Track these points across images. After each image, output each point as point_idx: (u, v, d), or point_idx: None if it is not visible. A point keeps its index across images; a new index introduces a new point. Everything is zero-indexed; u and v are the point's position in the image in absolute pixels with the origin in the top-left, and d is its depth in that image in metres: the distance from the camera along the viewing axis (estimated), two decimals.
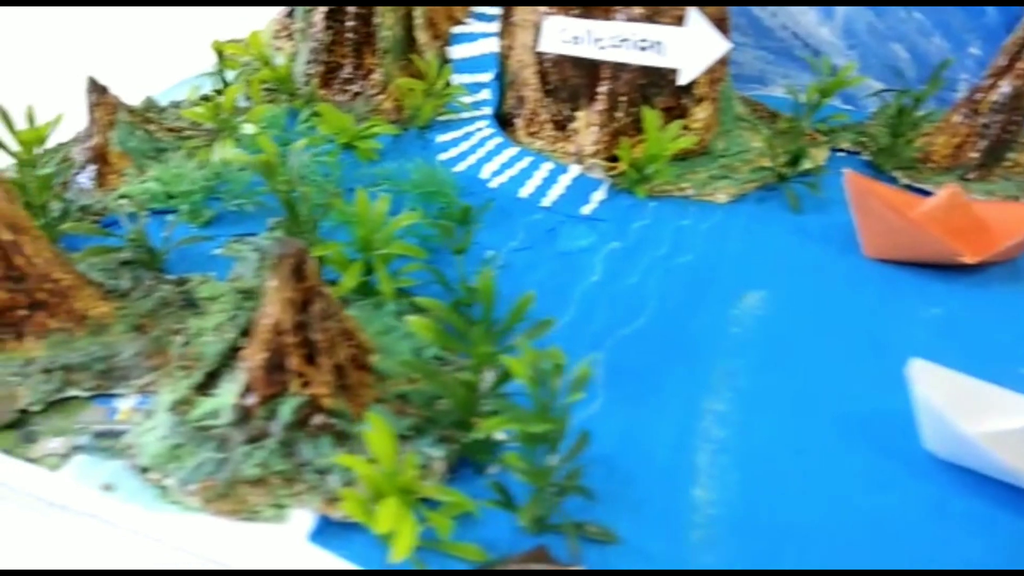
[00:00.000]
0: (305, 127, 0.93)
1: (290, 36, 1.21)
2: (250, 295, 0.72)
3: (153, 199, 0.85)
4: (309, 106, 0.99)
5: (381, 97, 1.07)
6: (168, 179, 0.84)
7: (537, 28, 0.95)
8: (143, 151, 0.91)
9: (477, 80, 1.05)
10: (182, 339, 0.68)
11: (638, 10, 0.87)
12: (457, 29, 1.09)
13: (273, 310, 0.56)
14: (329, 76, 1.09)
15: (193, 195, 0.82)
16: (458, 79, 1.06)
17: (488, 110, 1.03)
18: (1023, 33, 0.90)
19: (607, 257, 0.81)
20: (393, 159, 0.95)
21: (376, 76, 1.08)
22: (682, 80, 0.87)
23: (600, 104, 0.92)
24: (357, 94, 1.09)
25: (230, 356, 0.66)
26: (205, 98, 1.05)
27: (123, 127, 0.89)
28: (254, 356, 0.58)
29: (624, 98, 0.91)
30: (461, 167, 0.96)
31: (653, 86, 0.92)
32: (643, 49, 0.87)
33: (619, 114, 0.92)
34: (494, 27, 1.06)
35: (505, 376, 0.55)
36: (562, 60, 0.93)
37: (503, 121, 1.03)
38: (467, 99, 1.03)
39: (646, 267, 0.80)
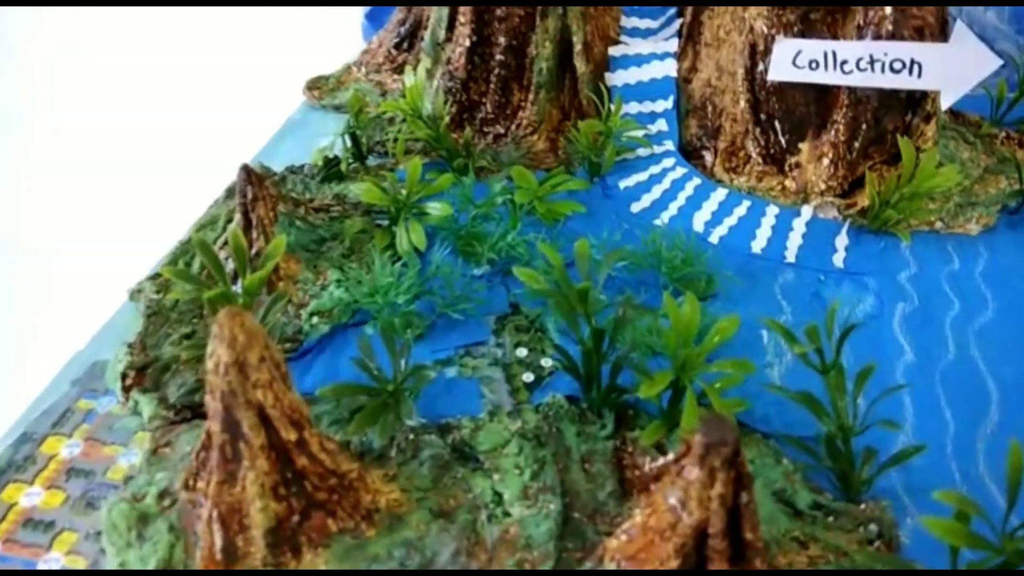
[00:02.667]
0: (500, 199, 0.77)
1: (398, 69, 1.05)
2: (540, 442, 0.58)
3: (346, 310, 0.69)
4: (496, 173, 0.83)
5: (532, 139, 0.93)
6: (366, 285, 0.68)
7: (743, 48, 0.81)
8: (305, 245, 0.75)
9: (649, 110, 0.91)
10: (485, 514, 0.54)
11: (887, 12, 0.74)
12: (616, 51, 0.94)
13: (696, 509, 0.43)
14: (464, 117, 0.94)
15: (403, 297, 0.67)
16: (625, 110, 0.91)
17: (670, 144, 0.89)
18: None
19: (904, 325, 0.70)
20: (576, 217, 0.81)
21: (526, 115, 0.92)
22: (945, 104, 0.75)
23: (837, 133, 0.79)
24: (499, 136, 0.94)
25: (562, 535, 0.53)
26: (331, 161, 0.88)
27: (282, 219, 0.73)
28: (657, 561, 0.45)
29: (865, 125, 0.79)
30: (664, 219, 0.82)
31: (884, 107, 0.80)
32: (896, 71, 0.74)
33: (857, 143, 0.79)
34: (666, 46, 0.91)
35: None
36: (786, 86, 0.79)
37: (684, 156, 0.90)
38: (639, 132, 0.89)
39: (952, 335, 0.69)
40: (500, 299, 0.73)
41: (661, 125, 0.90)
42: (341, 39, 1.21)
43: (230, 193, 0.87)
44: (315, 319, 0.68)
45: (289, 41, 1.30)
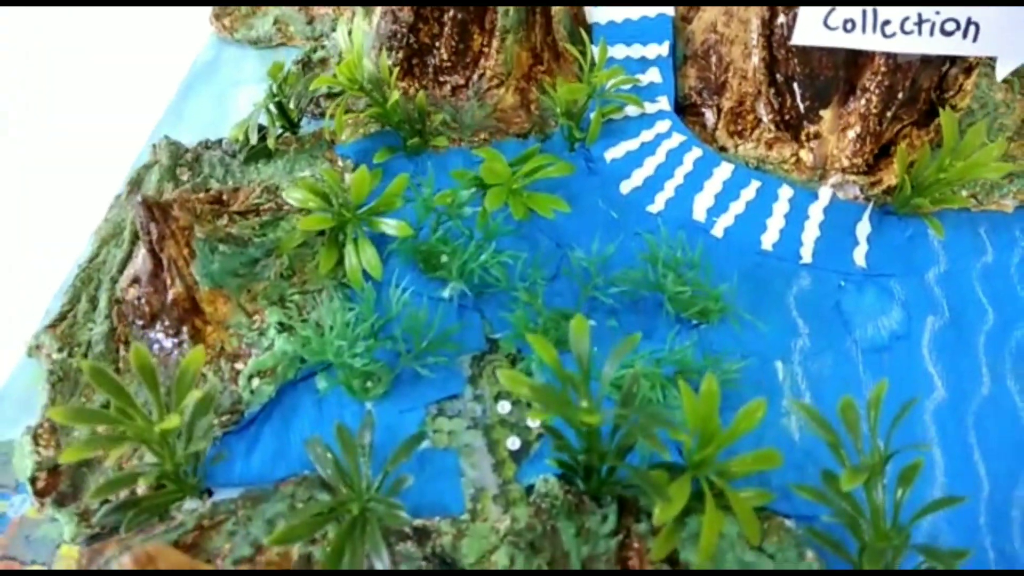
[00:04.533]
0: (468, 208, 0.64)
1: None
2: (534, 548, 0.50)
3: (292, 365, 0.58)
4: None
5: (499, 92, 0.77)
6: (312, 336, 0.57)
7: None
8: (233, 270, 0.62)
9: (639, 55, 0.75)
10: None
11: None
12: None
13: None
14: (413, 63, 0.77)
15: (360, 359, 0.56)
16: (610, 54, 0.76)
17: (664, 102, 0.75)
18: None
19: (934, 348, 0.62)
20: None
21: (489, 63, 0.76)
22: (1001, 73, 0.62)
23: (869, 103, 0.66)
24: (459, 88, 0.78)
25: None
26: (257, 140, 0.71)
27: (201, 248, 0.59)
28: None
29: (901, 93, 0.66)
30: (658, 205, 0.70)
31: (923, 62, 0.67)
32: (948, 33, 0.60)
33: (890, 113, 0.67)
34: None
35: None
36: (812, 47, 0.65)
37: (679, 109, 0.76)
38: (628, 86, 0.74)
39: (986, 359, 0.61)
40: (475, 332, 0.62)
41: (654, 75, 0.75)
42: None
43: (133, 185, 0.71)
44: (256, 381, 0.57)
45: None
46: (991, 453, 0.57)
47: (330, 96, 0.77)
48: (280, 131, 0.73)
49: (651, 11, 0.74)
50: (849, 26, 0.61)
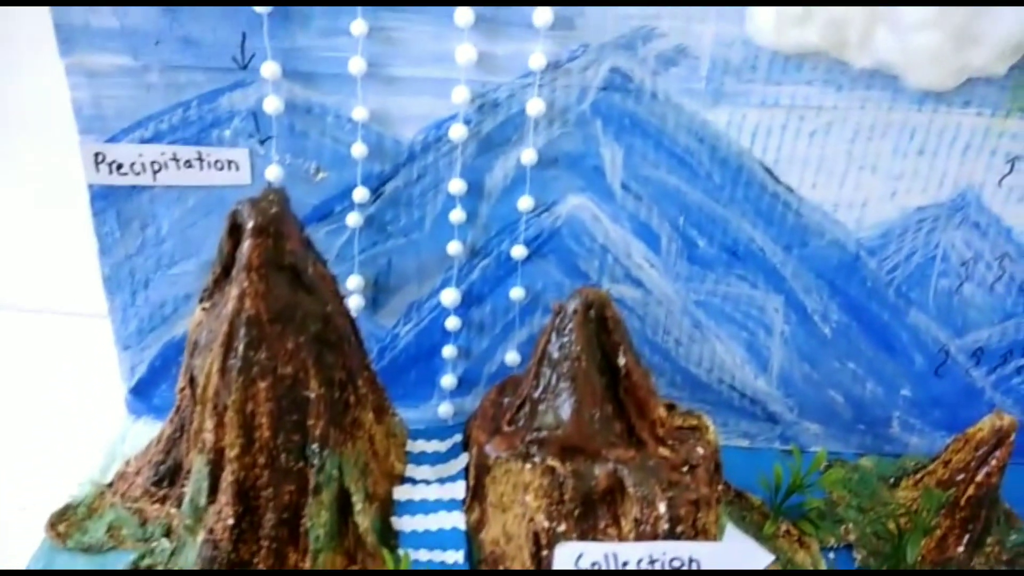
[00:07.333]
0: None
1: (159, 501, 0.93)
2: None
3: None
4: None
5: None
6: None
7: (527, 533, 0.79)
8: None
9: (440, 559, 0.86)
10: None
11: (661, 511, 0.75)
12: (401, 494, 0.88)
13: None
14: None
15: None
16: (415, 556, 0.85)
17: None
18: None
19: None
20: None
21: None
22: None
23: None
24: None
25: None
26: None
27: None
28: None
29: None
30: None
31: None
32: (677, 566, 0.74)
33: None
34: (452, 492, 0.87)
35: None
36: None
37: None
38: None
39: None
40: None
41: None
42: (99, 420, 1.08)
43: None
44: None
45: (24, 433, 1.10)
46: None
47: None
48: None
49: (447, 524, 0.86)
50: (595, 565, 0.73)
